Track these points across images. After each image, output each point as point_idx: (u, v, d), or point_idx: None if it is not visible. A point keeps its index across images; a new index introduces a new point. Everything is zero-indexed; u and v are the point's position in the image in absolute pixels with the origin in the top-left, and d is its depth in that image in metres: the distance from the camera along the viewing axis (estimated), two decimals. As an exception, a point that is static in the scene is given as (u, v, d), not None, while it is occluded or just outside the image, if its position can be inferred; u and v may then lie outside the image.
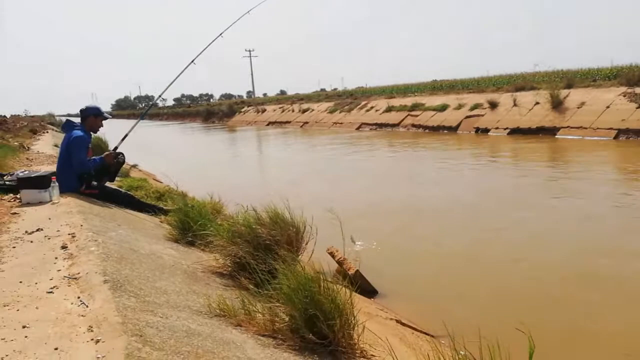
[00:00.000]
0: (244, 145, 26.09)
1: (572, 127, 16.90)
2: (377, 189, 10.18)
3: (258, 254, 3.25)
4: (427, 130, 23.03)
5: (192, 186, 7.92)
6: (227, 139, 31.14)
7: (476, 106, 21.88)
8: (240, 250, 3.37)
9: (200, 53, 6.34)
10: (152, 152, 20.15)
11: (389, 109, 27.45)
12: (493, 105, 20.97)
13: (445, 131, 21.93)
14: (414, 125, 24.37)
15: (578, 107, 17.56)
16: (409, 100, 27.43)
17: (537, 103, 19.04)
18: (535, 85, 21.58)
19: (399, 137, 22.12)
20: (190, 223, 4.24)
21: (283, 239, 3.37)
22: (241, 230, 3.56)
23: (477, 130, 20.48)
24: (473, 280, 5.09)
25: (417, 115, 24.83)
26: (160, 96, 6.31)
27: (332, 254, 5.12)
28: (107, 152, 5.30)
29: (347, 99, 35.62)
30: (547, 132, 17.57)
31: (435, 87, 31.01)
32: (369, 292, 4.78)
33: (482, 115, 21.07)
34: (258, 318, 2.57)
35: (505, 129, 19.27)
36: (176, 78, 6.19)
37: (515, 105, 20.08)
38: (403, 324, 4.06)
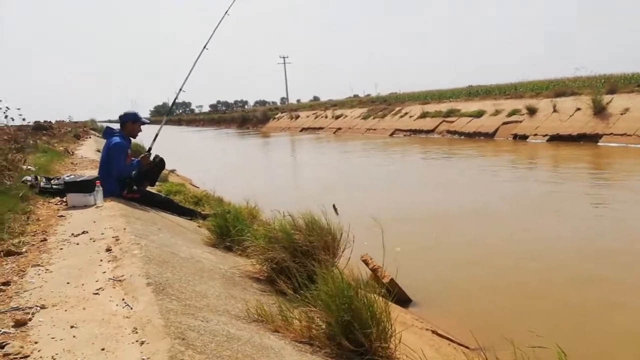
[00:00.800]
0: (277, 151, 26.33)
1: (615, 134, 16.31)
2: (410, 196, 10.09)
3: (295, 260, 3.27)
4: (462, 137, 22.69)
5: (228, 191, 8.05)
6: (261, 144, 31.51)
7: (514, 112, 21.42)
8: (277, 255, 3.40)
9: (211, 36, 6.29)
10: (189, 157, 20.59)
11: (424, 115, 27.19)
12: (532, 111, 20.48)
13: (482, 137, 21.54)
14: (449, 132, 24.04)
15: (621, 114, 16.94)
16: (444, 106, 27.10)
17: (578, 109, 18.47)
18: (576, 90, 20.96)
19: (433, 143, 21.86)
20: (229, 228, 4.30)
21: (320, 245, 3.38)
22: (278, 236, 3.59)
23: (515, 136, 20.02)
24: (510, 290, 4.99)
25: (452, 122, 24.50)
26: (180, 89, 6.23)
27: (365, 262, 5.09)
28: (142, 155, 5.43)
29: (380, 105, 35.50)
30: (588, 139, 17.02)
31: (471, 93, 30.50)
32: (404, 301, 4.73)
33: (520, 122, 20.60)
34: (295, 324, 2.58)
35: (544, 135, 18.77)
36: (192, 67, 6.17)
37: (555, 111, 19.55)
38: (439, 335, 4.00)
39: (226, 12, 6.37)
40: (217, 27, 6.35)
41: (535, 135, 19.17)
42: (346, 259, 3.68)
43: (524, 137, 19.55)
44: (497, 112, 22.38)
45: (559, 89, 22.31)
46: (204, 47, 6.21)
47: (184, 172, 13.54)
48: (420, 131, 26.00)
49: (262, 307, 2.64)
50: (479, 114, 23.30)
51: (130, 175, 5.28)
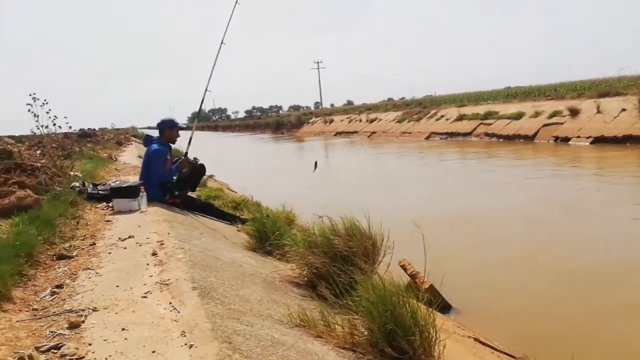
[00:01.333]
0: (311, 155, 26.43)
1: (664, 135, 15.61)
2: (447, 199, 9.94)
3: (335, 265, 3.27)
4: (501, 140, 22.21)
5: (263, 194, 8.13)
6: (295, 149, 31.72)
7: (555, 114, 20.81)
8: (317, 260, 3.41)
9: (226, 30, 6.13)
10: (224, 162, 20.93)
11: (460, 118, 26.78)
12: (574, 112, 19.84)
13: (521, 140, 21.03)
14: (487, 134, 23.58)
15: (671, 114, 16.20)
16: (481, 108, 26.61)
17: (624, 110, 17.77)
18: (620, 90, 20.17)
19: (470, 146, 21.50)
20: (267, 233, 4.35)
21: (360, 250, 3.37)
22: (317, 240, 3.60)
23: (557, 139, 19.44)
24: (552, 296, 4.86)
25: (490, 124, 24.02)
26: (206, 89, 6.08)
27: (404, 267, 5.04)
28: (180, 159, 5.55)
29: (415, 108, 35.17)
30: (635, 140, 16.33)
31: (510, 94, 29.84)
32: (443, 307, 4.66)
33: (562, 123, 19.99)
34: (337, 330, 2.58)
35: (587, 137, 18.13)
36: (214, 64, 6.09)
37: (598, 112, 18.88)
38: (482, 343, 3.92)
39: (236, 2, 6.17)
40: (230, 18, 6.17)
41: (578, 137, 18.55)
42: (385, 264, 3.66)
43: (566, 140, 18.96)
44: (537, 114, 21.80)
45: (603, 89, 21.53)
46: (221, 42, 6.10)
47: (221, 177, 13.76)
48: (457, 134, 25.60)
49: (304, 312, 2.65)
50: (518, 116, 22.76)
51: (172, 181, 5.42)
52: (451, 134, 26.09)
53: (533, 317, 4.49)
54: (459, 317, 4.53)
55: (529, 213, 8.12)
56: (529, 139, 20.75)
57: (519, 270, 5.56)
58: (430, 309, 2.58)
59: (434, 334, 2.47)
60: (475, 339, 3.94)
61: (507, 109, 24.59)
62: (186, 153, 5.68)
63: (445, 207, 9.11)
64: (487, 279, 5.43)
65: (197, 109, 6.64)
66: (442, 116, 29.16)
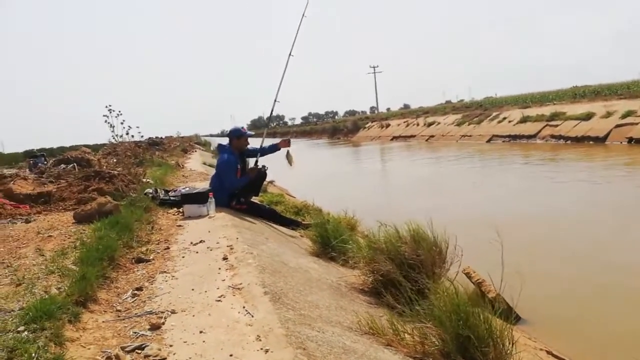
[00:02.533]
0: (367, 159, 26.31)
1: None
2: (510, 203, 9.55)
3: (401, 272, 3.24)
4: (568, 142, 21.11)
5: (321, 199, 8.14)
6: (351, 153, 31.68)
7: (629, 113, 19.52)
8: (383, 267, 3.39)
9: (294, 42, 6.08)
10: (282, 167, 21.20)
11: (524, 120, 25.72)
12: (650, 111, 18.54)
13: (591, 142, 19.88)
14: (553, 137, 22.50)
15: None
16: (546, 110, 25.43)
17: None
18: None
19: (536, 149, 20.59)
20: (330, 239, 4.37)
21: (428, 258, 3.32)
22: (382, 247, 3.58)
23: (631, 140, 18.23)
24: (632, 308, 4.53)
25: (556, 126, 22.90)
26: (275, 100, 6.18)
27: (468, 275, 4.90)
28: (250, 168, 5.71)
29: (475, 110, 34.17)
30: None
31: (577, 94, 28.33)
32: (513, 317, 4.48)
33: (637, 124, 18.72)
34: (407, 339, 2.55)
35: (666, 138, 16.89)
36: (282, 77, 6.12)
37: (679, 110, 17.53)
38: (555, 357, 3.74)
39: (303, 15, 6.16)
40: (297, 31, 6.16)
41: (656, 138, 17.32)
42: (451, 272, 3.58)
43: (642, 141, 17.75)
44: (608, 114, 20.53)
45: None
46: (289, 54, 6.10)
47: (281, 182, 13.98)
48: (521, 136, 24.62)
49: (373, 319, 2.64)
50: (588, 117, 21.53)
51: (240, 188, 5.58)
52: (514, 137, 25.13)
53: (612, 330, 4.23)
54: (530, 329, 4.34)
55: (605, 221, 7.66)
56: (600, 140, 19.60)
57: (594, 280, 5.25)
58: (507, 321, 2.51)
59: (510, 346, 2.40)
60: (548, 352, 3.78)
61: (575, 109, 23.36)
62: (256, 162, 5.83)
63: (509, 212, 8.77)
64: (558, 288, 5.18)
65: (255, 117, 6.78)
66: (505, 118, 28.15)
